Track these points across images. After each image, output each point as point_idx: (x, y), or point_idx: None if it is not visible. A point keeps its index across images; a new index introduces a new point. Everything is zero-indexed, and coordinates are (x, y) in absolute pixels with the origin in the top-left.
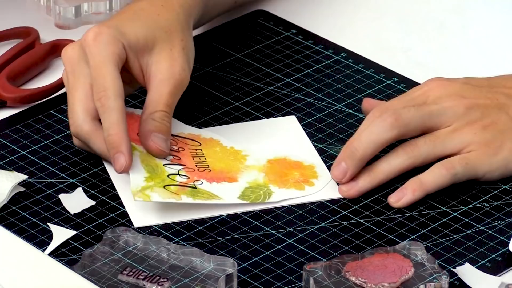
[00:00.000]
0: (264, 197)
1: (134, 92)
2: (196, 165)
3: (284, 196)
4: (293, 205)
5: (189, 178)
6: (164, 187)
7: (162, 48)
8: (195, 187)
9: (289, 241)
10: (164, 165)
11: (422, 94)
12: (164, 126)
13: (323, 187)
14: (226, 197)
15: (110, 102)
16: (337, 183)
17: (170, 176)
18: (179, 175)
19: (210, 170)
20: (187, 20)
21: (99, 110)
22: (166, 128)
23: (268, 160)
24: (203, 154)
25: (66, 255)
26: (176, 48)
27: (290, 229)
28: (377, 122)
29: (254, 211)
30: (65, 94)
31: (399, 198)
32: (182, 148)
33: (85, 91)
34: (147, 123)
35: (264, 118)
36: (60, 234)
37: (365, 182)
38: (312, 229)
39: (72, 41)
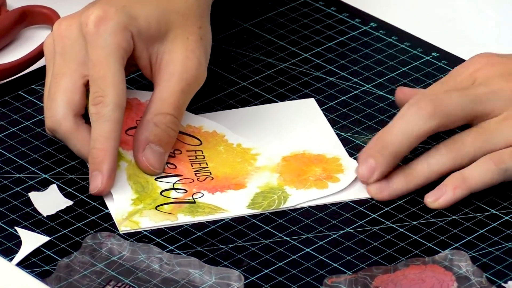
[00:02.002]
0: (278, 203)
1: (132, 76)
2: (195, 174)
3: (303, 198)
4: (311, 207)
5: (186, 191)
6: (156, 208)
7: (176, 35)
8: (194, 202)
9: (307, 250)
10: (156, 179)
11: (466, 75)
12: (167, 136)
13: (350, 182)
14: (232, 208)
15: (106, 111)
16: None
17: (163, 193)
18: (175, 189)
19: (213, 178)
20: (207, 3)
21: (91, 116)
22: (169, 139)
23: (283, 158)
24: (204, 157)
25: (37, 265)
26: (194, 37)
27: (308, 236)
28: (413, 111)
29: (264, 213)
30: (37, 71)
31: (437, 197)
32: (178, 151)
33: (73, 81)
34: (145, 129)
35: (277, 101)
36: (30, 241)
37: (400, 184)
38: (334, 236)
39: (46, 8)
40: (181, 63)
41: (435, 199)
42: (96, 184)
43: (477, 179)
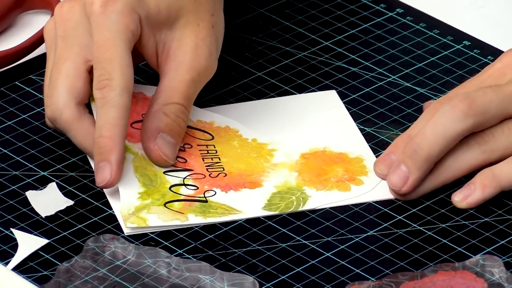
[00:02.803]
0: (297, 205)
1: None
2: (207, 169)
3: (323, 200)
4: (332, 208)
5: (197, 188)
6: (165, 205)
7: (187, 22)
8: (206, 201)
9: (327, 254)
10: (165, 172)
11: (499, 71)
12: (177, 125)
13: (376, 185)
14: (247, 209)
15: (113, 95)
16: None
17: (172, 189)
18: (185, 185)
19: (226, 175)
20: None
21: (96, 102)
22: (179, 129)
23: (301, 155)
24: (216, 152)
25: (35, 270)
26: (205, 24)
27: (328, 239)
28: (445, 110)
29: (281, 215)
30: (36, 60)
31: (466, 195)
32: (189, 145)
33: (76, 66)
34: (155, 118)
35: (295, 93)
36: (28, 243)
37: (427, 181)
38: (357, 239)
39: None
40: (190, 51)
41: (463, 198)
42: (104, 176)
43: (508, 176)
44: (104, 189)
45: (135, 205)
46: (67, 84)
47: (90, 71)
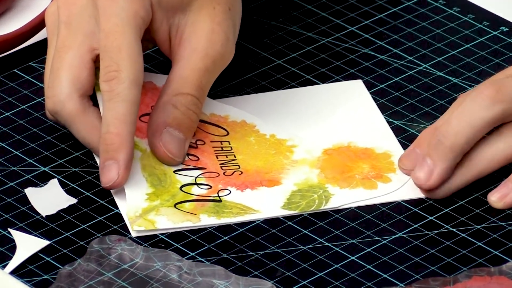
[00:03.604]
0: (319, 203)
1: (147, 52)
2: (221, 167)
3: (347, 199)
4: (357, 207)
5: (211, 187)
6: (175, 205)
7: (202, 5)
8: (219, 200)
9: (352, 257)
10: (175, 171)
11: None
12: (188, 119)
13: (404, 184)
14: (264, 208)
15: (122, 88)
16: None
17: (183, 189)
18: (197, 185)
19: (242, 172)
20: None
21: (103, 95)
22: (190, 123)
23: (324, 151)
24: (231, 149)
25: (34, 274)
26: (221, 7)
27: (353, 241)
28: (471, 98)
29: (301, 215)
30: (36, 45)
31: (503, 195)
32: (201, 142)
33: (80, 55)
34: (162, 111)
35: (317, 83)
36: (27, 245)
37: (458, 175)
38: (384, 241)
39: None
40: (205, 37)
41: (501, 197)
42: (111, 176)
43: None
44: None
45: (142, 207)
46: (71, 74)
47: (95, 61)
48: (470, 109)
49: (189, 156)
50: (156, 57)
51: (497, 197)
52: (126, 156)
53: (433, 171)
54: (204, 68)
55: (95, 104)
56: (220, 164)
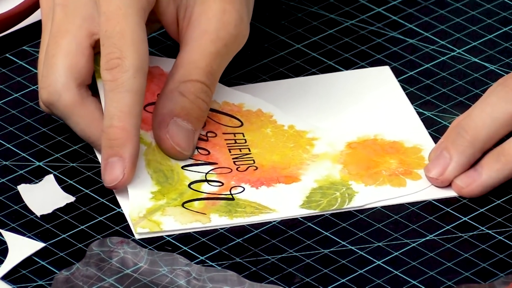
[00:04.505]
0: (342, 202)
1: (153, 34)
2: (234, 162)
3: (373, 198)
4: (383, 207)
5: (222, 185)
6: (182, 205)
7: None
8: (232, 198)
9: (378, 262)
10: (183, 167)
11: None
12: (197, 109)
13: None
14: (282, 207)
15: (126, 78)
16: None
17: (192, 186)
18: (207, 181)
19: (257, 168)
20: None
21: (105, 84)
22: (200, 112)
23: (348, 144)
24: (245, 142)
25: (28, 280)
26: None
27: (379, 244)
28: (496, 91)
29: (323, 215)
30: (30, 28)
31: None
32: (212, 134)
33: (78, 41)
34: (169, 100)
35: (340, 70)
36: (20, 248)
37: (492, 171)
38: (413, 244)
39: None
40: (216, 17)
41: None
42: (115, 174)
43: None
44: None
45: (146, 207)
46: (67, 62)
47: (94, 47)
48: (493, 102)
49: (199, 150)
50: (163, 40)
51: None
52: (132, 152)
53: (448, 165)
54: (215, 52)
55: (94, 93)
56: (233, 158)
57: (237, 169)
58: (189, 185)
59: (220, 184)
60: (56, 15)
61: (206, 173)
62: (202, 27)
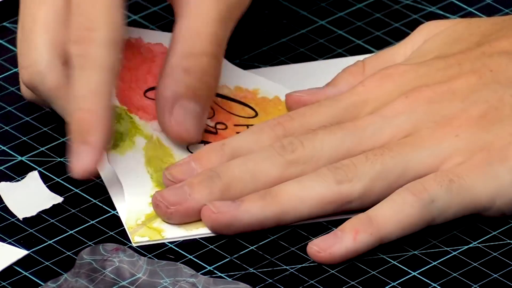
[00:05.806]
0: None
1: (154, 9)
2: None
3: None
4: None
5: None
6: None
7: None
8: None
9: (413, 273)
10: None
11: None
12: (205, 87)
13: None
14: None
15: (96, 52)
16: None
17: None
18: None
19: None
20: None
21: (74, 60)
22: (208, 92)
23: None
24: None
25: None
26: None
27: (415, 252)
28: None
29: (348, 218)
30: (9, 2)
31: (328, 245)
32: (222, 125)
33: (56, 11)
34: (172, 79)
35: (371, 51)
36: (1, 255)
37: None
38: (454, 253)
39: None
40: None
41: (325, 247)
42: (83, 164)
43: (388, 220)
44: (106, 184)
45: (145, 213)
46: (48, 37)
47: None
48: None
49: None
50: (165, 15)
51: (319, 247)
52: (101, 136)
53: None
54: (218, 18)
55: None
56: None
57: None
58: None
59: None
60: None
61: None
62: None
